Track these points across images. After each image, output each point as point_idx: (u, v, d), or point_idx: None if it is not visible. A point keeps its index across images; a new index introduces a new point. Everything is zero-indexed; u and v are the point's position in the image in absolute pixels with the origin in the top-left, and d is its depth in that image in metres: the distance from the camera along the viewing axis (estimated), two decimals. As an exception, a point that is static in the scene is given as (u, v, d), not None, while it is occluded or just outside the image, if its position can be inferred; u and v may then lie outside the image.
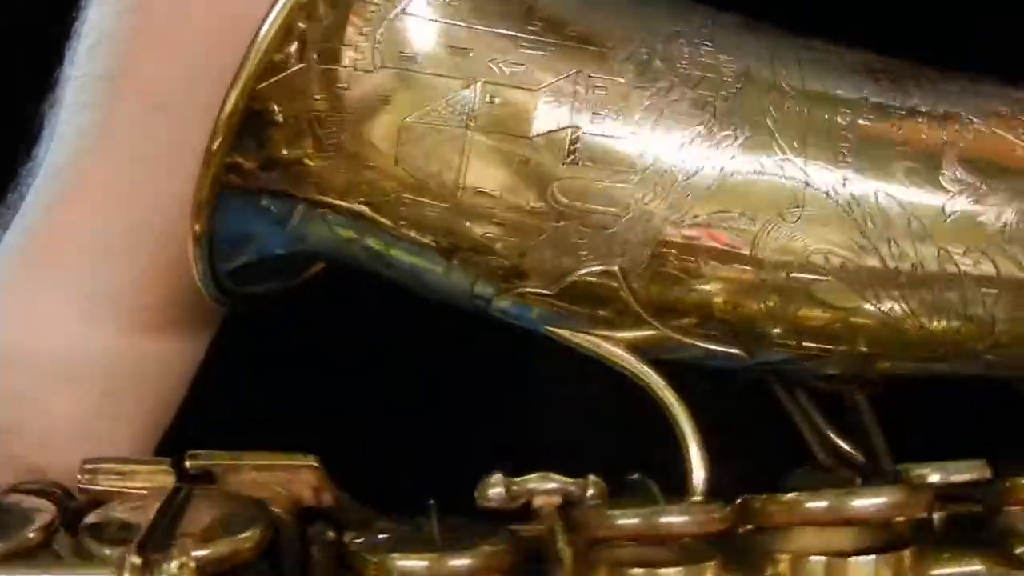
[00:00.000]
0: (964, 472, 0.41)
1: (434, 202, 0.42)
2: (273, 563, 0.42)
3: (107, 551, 0.37)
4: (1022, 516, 0.43)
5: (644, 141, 0.42)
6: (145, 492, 0.41)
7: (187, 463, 0.42)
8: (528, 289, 0.43)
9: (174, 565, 0.35)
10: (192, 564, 0.36)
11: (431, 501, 0.43)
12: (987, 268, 0.44)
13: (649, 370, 0.44)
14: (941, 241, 0.43)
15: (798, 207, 0.43)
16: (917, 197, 0.43)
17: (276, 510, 0.42)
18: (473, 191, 0.42)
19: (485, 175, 0.42)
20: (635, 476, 0.44)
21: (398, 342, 0.55)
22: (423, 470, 0.46)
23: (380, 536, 0.41)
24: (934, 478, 0.41)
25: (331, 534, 0.43)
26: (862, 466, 0.48)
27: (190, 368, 0.46)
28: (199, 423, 0.45)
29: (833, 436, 0.50)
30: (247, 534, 0.39)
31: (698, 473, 0.43)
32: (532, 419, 0.55)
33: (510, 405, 0.55)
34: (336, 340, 0.55)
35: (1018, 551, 0.43)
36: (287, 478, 0.43)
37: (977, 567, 0.42)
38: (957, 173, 0.44)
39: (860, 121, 0.43)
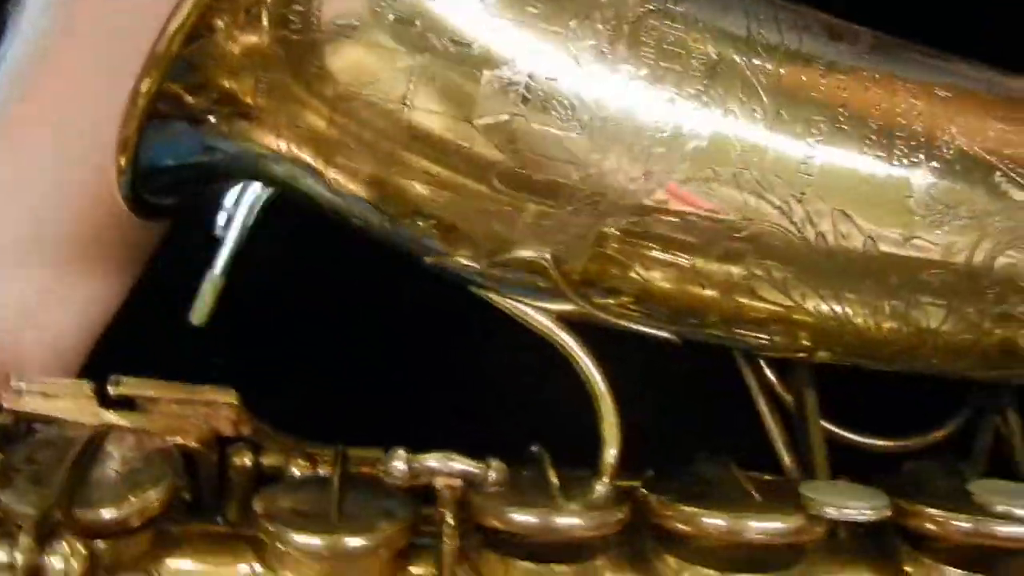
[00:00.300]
0: (865, 511, 0.41)
1: (368, 168, 0.40)
2: (191, 487, 0.44)
3: (14, 505, 0.39)
4: (915, 534, 0.43)
5: (593, 138, 0.39)
6: (68, 423, 0.42)
7: (110, 389, 0.43)
8: (458, 258, 0.42)
9: (65, 548, 0.37)
10: (83, 551, 0.37)
11: (342, 448, 0.45)
12: (939, 288, 0.42)
13: (573, 343, 0.43)
14: (896, 261, 0.42)
15: (749, 219, 0.41)
16: (880, 218, 0.41)
17: (193, 444, 0.43)
18: (409, 164, 0.40)
19: (422, 153, 0.40)
20: (534, 448, 0.44)
21: (359, 299, 0.54)
22: (372, 426, 0.46)
23: (284, 501, 0.41)
24: (831, 512, 0.41)
25: (248, 459, 0.45)
26: (796, 425, 0.49)
27: (116, 299, 0.46)
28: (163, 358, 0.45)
29: (777, 387, 0.50)
30: (154, 493, 0.40)
31: (610, 451, 0.43)
32: (486, 382, 0.55)
33: (466, 367, 0.54)
34: (296, 292, 0.54)
35: (907, 568, 0.43)
36: (206, 412, 0.43)
37: (866, 583, 0.43)
38: (927, 199, 0.41)
39: (831, 136, 0.40)
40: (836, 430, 0.49)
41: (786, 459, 0.49)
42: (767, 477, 0.45)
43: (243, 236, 0.45)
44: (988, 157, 0.41)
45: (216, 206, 0.45)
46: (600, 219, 0.40)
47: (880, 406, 0.50)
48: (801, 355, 0.45)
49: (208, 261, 0.44)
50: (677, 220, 0.41)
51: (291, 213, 0.44)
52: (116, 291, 0.47)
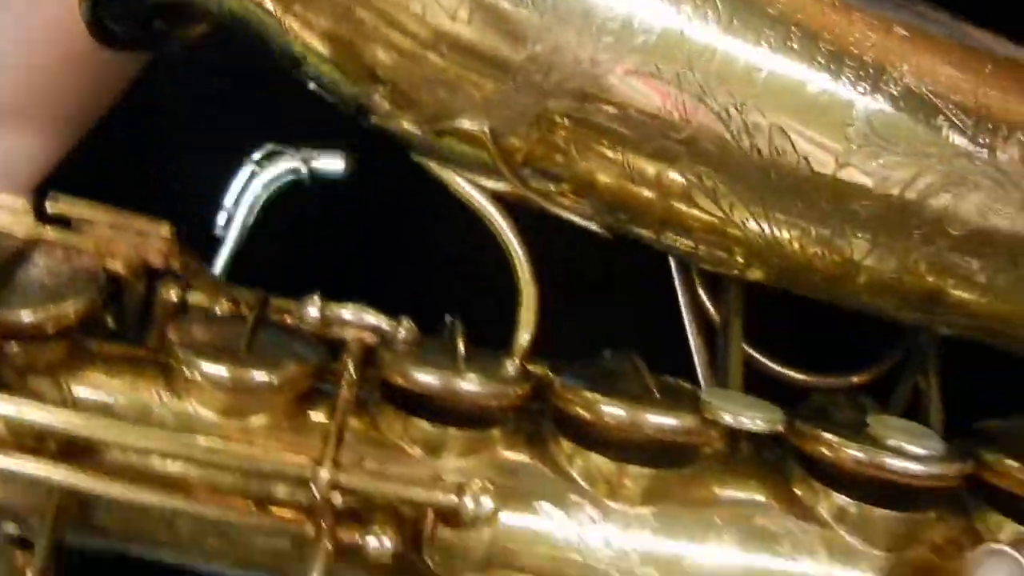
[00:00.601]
0: (757, 421, 0.42)
1: (324, 21, 0.41)
2: (116, 314, 0.45)
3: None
4: (809, 458, 0.44)
5: (544, 18, 0.40)
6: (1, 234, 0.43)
7: (47, 205, 0.44)
8: (402, 121, 0.43)
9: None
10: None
11: (266, 296, 0.45)
12: (867, 220, 0.43)
13: (503, 222, 0.44)
14: (828, 186, 0.42)
15: (687, 121, 0.41)
16: (817, 141, 0.42)
17: (122, 270, 0.44)
18: (364, 22, 0.41)
19: (377, 12, 0.40)
20: (449, 319, 0.45)
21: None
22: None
23: (198, 332, 0.42)
24: (727, 419, 0.42)
25: (175, 293, 0.45)
26: (720, 343, 0.50)
27: (76, 132, 0.47)
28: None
29: (706, 302, 0.51)
30: (72, 304, 0.41)
31: (524, 335, 0.44)
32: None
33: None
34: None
35: (796, 489, 0.44)
36: (138, 240, 0.44)
37: (756, 496, 0.44)
38: (866, 129, 0.41)
39: (780, 52, 0.41)
40: (757, 356, 0.50)
41: (704, 375, 0.50)
42: (673, 380, 0.46)
43: (243, 236, 0.45)
44: (934, 99, 0.42)
45: (216, 206, 0.45)
46: (542, 99, 0.41)
47: (812, 345, 0.51)
48: (734, 272, 0.46)
49: (208, 261, 0.45)
50: (616, 111, 0.41)
51: (291, 213, 0.45)
52: (76, 123, 0.48)
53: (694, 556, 0.43)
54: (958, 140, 0.42)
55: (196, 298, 0.46)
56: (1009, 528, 0.43)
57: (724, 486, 0.44)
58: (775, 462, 0.45)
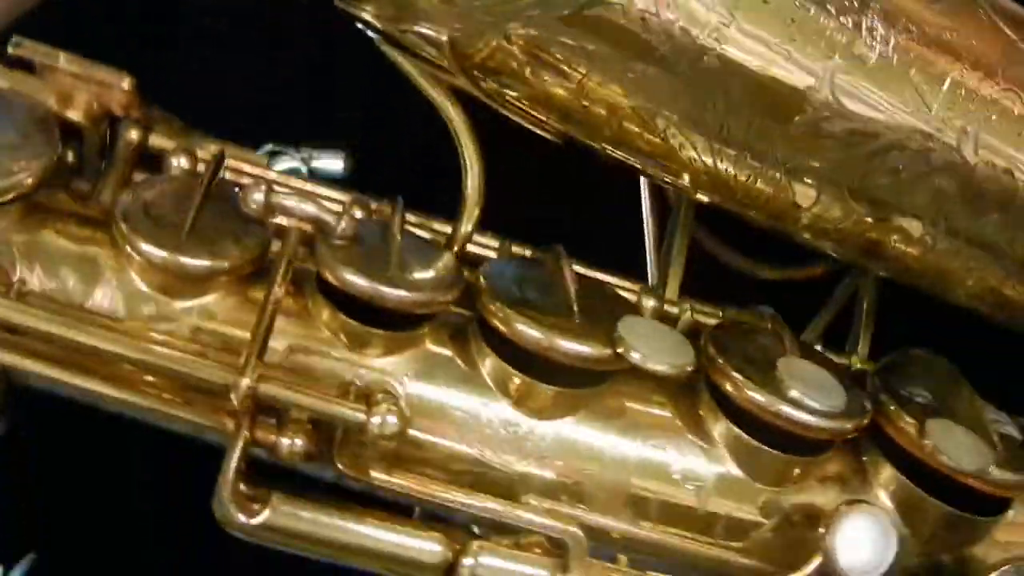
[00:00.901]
0: (665, 366, 0.44)
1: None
2: (76, 155, 0.46)
3: None
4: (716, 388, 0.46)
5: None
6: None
7: (10, 49, 0.44)
8: (365, 12, 0.43)
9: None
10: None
11: (222, 153, 0.46)
12: (819, 175, 0.43)
13: (460, 121, 0.45)
14: (787, 140, 0.43)
15: (652, 54, 0.41)
16: (774, 90, 0.42)
17: (81, 119, 0.45)
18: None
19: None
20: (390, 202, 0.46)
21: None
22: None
23: (148, 194, 0.44)
24: (635, 358, 0.44)
25: (135, 134, 0.46)
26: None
27: None
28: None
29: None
30: (27, 172, 0.42)
31: (466, 225, 0.46)
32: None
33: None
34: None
35: (701, 412, 0.46)
36: (99, 91, 0.45)
37: (662, 412, 0.46)
38: (830, 91, 0.41)
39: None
40: (708, 240, 0.51)
41: (651, 258, 0.51)
42: (600, 290, 0.47)
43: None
44: (910, 71, 0.42)
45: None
46: (504, 20, 0.41)
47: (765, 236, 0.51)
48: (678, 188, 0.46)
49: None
50: (574, 44, 0.41)
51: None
52: None
53: (592, 464, 0.45)
54: (923, 117, 0.42)
55: (157, 141, 0.47)
56: (888, 472, 0.46)
57: (633, 400, 0.46)
58: (687, 383, 0.47)
